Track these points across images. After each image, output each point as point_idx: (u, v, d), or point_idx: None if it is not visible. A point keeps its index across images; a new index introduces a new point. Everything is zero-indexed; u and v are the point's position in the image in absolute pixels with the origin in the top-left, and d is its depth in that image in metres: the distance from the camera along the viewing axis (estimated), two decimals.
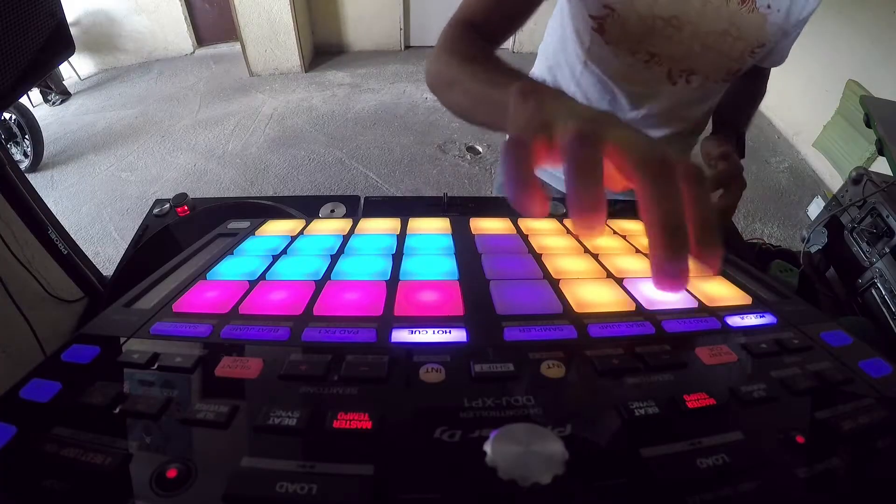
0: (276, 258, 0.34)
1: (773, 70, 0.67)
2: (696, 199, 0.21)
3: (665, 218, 0.20)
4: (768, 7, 0.53)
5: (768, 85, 0.70)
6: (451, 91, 0.43)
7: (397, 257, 0.34)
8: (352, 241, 0.37)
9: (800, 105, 2.84)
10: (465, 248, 0.36)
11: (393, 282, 0.30)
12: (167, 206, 0.66)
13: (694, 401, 0.19)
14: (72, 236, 0.81)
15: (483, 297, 0.28)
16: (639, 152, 0.21)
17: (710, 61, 0.57)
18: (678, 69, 0.59)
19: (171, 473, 0.16)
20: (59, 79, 3.53)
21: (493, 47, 0.48)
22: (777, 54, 0.62)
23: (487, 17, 0.49)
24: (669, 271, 0.20)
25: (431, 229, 0.40)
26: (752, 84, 0.68)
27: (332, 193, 0.86)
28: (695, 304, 0.28)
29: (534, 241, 0.37)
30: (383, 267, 0.32)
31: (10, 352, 0.67)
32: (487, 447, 0.16)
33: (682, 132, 0.70)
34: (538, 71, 0.73)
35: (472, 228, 0.40)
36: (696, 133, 0.72)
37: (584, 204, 0.20)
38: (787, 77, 2.92)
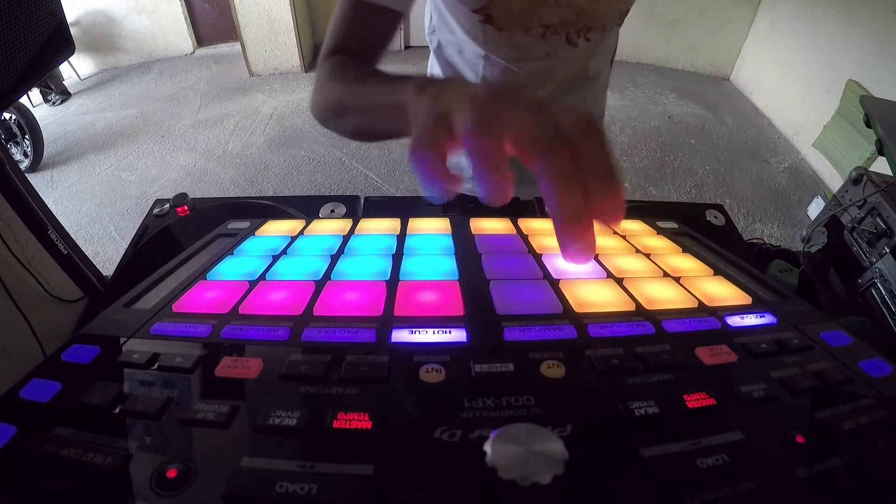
0: (276, 258, 0.34)
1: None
2: (592, 156, 0.23)
3: (565, 210, 0.23)
4: None
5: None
6: (345, 116, 0.44)
7: (397, 257, 0.34)
8: (352, 242, 0.37)
9: (800, 105, 2.83)
10: (465, 248, 0.36)
11: (393, 282, 0.30)
12: (167, 206, 0.66)
13: (694, 401, 0.19)
14: (72, 236, 0.81)
15: (483, 297, 0.28)
16: (532, 142, 0.23)
17: (602, 10, 0.57)
18: (574, 31, 0.58)
19: (171, 473, 0.16)
20: (59, 79, 3.53)
21: (373, 65, 0.49)
22: None
23: (355, 43, 0.49)
24: (574, 251, 0.25)
25: (431, 229, 0.40)
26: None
27: (332, 193, 0.86)
28: (695, 304, 0.28)
29: (534, 241, 0.37)
30: (383, 267, 0.32)
31: (10, 352, 0.67)
32: (487, 447, 0.16)
33: (591, 87, 0.69)
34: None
35: (472, 228, 0.40)
36: (602, 81, 0.71)
37: (492, 188, 0.23)
38: (786, 77, 2.94)
